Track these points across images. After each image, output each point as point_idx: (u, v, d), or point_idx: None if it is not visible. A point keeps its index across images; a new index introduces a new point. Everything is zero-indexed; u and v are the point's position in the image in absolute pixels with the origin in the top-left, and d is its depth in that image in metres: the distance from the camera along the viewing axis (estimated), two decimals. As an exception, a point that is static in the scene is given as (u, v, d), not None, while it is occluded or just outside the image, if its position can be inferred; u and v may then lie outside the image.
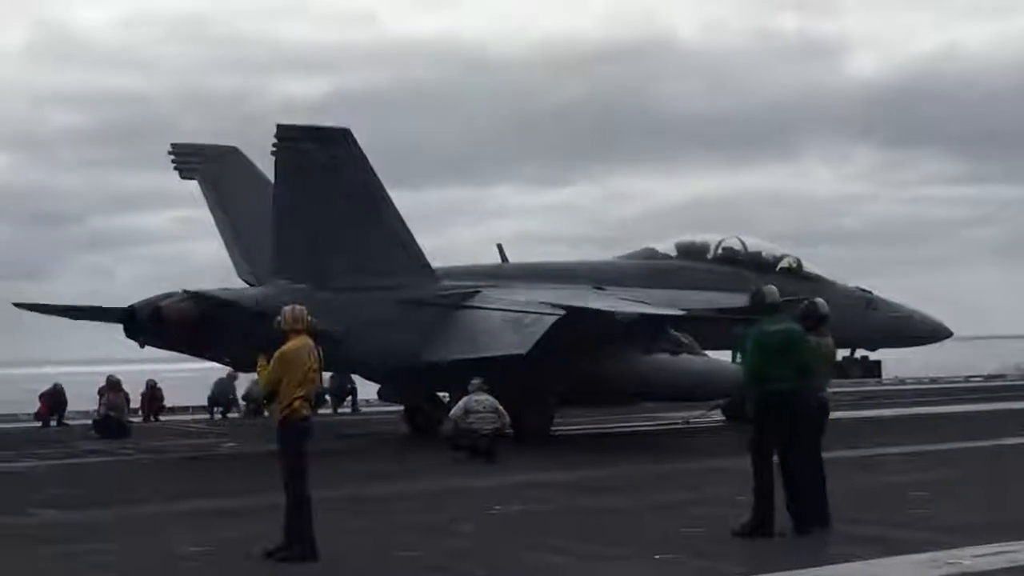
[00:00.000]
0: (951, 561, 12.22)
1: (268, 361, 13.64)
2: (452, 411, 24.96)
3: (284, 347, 13.54)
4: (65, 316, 33.16)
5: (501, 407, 24.57)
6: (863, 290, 36.23)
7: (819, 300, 15.35)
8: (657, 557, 12.72)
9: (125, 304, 28.40)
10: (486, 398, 24.61)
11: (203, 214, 35.57)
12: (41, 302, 33.10)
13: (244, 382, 41.25)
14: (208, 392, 42.28)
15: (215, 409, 41.43)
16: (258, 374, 14.17)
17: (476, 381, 25.01)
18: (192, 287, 27.91)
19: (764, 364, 14.38)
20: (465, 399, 24.67)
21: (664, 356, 28.48)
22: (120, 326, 28.42)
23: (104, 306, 31.12)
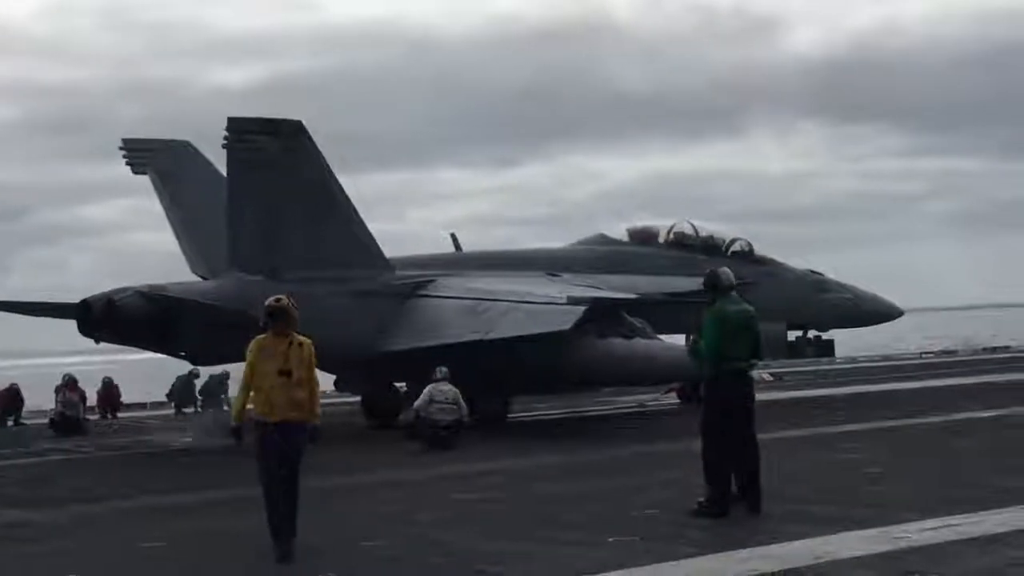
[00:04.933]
0: (899, 536, 12.48)
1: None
2: (417, 400, 25.05)
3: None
4: (17, 312, 33.00)
5: (462, 399, 24.73)
6: (814, 272, 36.75)
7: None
8: (611, 540, 12.91)
9: (76, 298, 28.28)
10: (449, 388, 24.79)
11: (152, 205, 35.56)
12: None
13: (204, 378, 41.20)
14: (167, 388, 42.31)
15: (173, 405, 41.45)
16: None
17: (443, 370, 25.15)
18: (143, 280, 27.87)
19: (722, 343, 14.62)
20: (430, 388, 24.82)
21: (618, 340, 28.68)
22: (73, 322, 28.32)
23: (58, 302, 31.05)
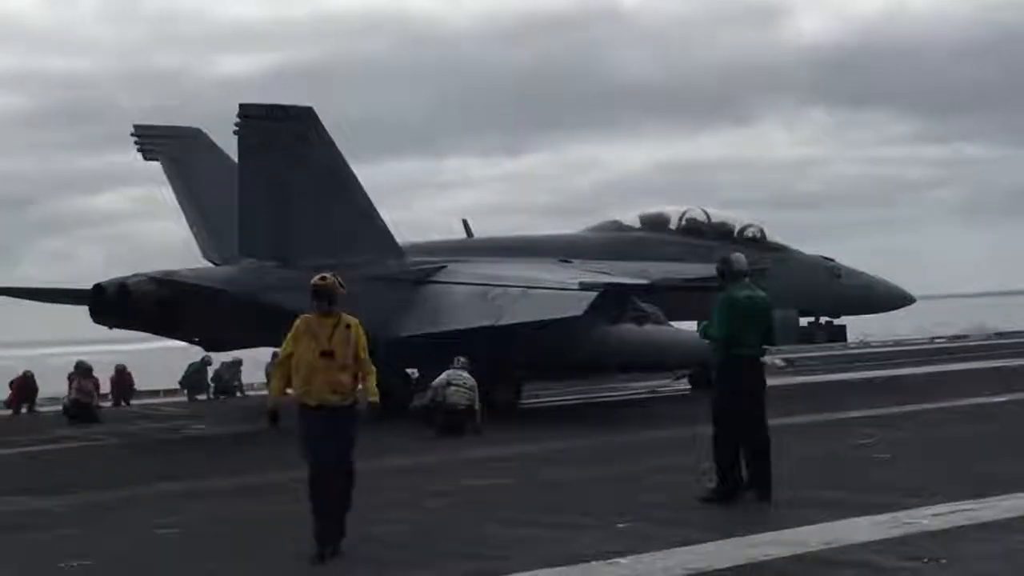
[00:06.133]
0: (909, 521, 12.46)
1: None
2: (436, 380, 25.15)
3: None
4: (30, 299, 33.17)
5: (477, 390, 24.81)
6: (827, 259, 36.69)
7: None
8: (620, 526, 12.93)
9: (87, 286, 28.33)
10: (468, 376, 24.89)
11: (161, 193, 35.69)
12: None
13: (216, 364, 41.30)
14: (180, 375, 42.44)
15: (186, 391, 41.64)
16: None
17: (462, 359, 25.33)
18: (151, 269, 27.93)
19: (733, 329, 14.61)
20: (448, 372, 24.94)
21: (630, 326, 28.68)
22: (84, 308, 28.42)
23: (70, 287, 31.17)
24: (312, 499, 12.22)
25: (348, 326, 12.24)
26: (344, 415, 12.14)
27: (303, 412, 12.15)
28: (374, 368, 12.44)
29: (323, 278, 12.39)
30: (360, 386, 12.33)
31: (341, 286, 12.40)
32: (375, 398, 12.41)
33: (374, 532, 13.30)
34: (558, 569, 11.08)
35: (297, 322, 12.35)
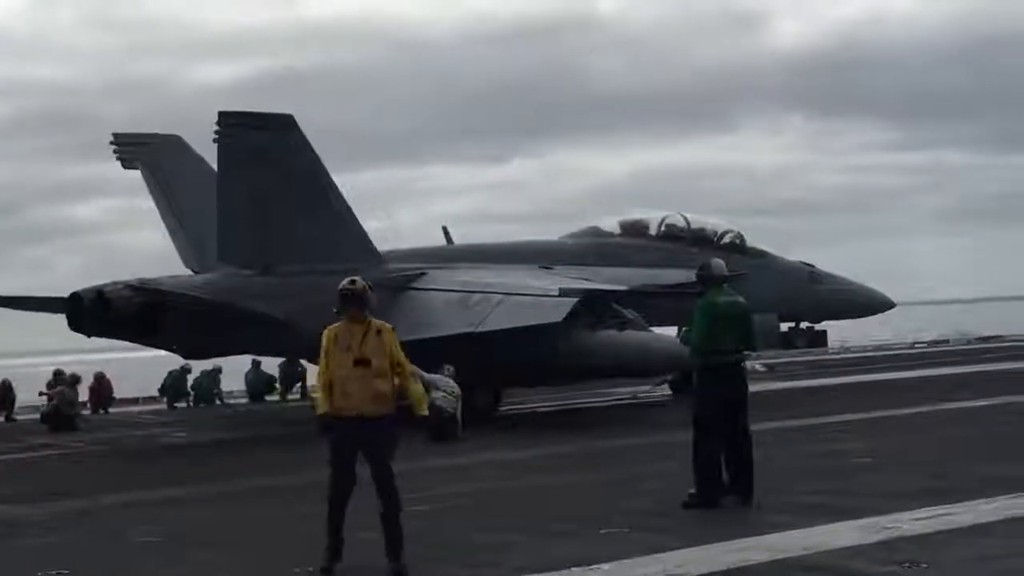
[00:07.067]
0: (889, 526, 12.49)
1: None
2: (426, 375, 25.17)
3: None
4: (7, 307, 32.98)
5: (460, 401, 24.82)
6: (806, 264, 36.79)
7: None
8: (603, 532, 12.92)
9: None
10: (455, 385, 24.89)
11: (139, 203, 35.64)
12: None
13: (196, 372, 41.13)
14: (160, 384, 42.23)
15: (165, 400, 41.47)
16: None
17: (450, 368, 25.47)
18: (131, 277, 27.80)
19: (712, 335, 14.64)
20: (437, 376, 24.95)
21: (610, 332, 28.67)
22: (61, 317, 28.26)
23: (48, 296, 31.00)
24: (329, 521, 11.87)
25: (379, 331, 11.70)
26: (380, 426, 11.61)
27: (337, 425, 11.68)
28: (412, 370, 11.96)
29: (353, 281, 11.74)
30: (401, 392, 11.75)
31: (371, 289, 11.84)
32: (424, 411, 11.94)
33: (359, 538, 13.25)
34: None
35: (325, 333, 11.78)
